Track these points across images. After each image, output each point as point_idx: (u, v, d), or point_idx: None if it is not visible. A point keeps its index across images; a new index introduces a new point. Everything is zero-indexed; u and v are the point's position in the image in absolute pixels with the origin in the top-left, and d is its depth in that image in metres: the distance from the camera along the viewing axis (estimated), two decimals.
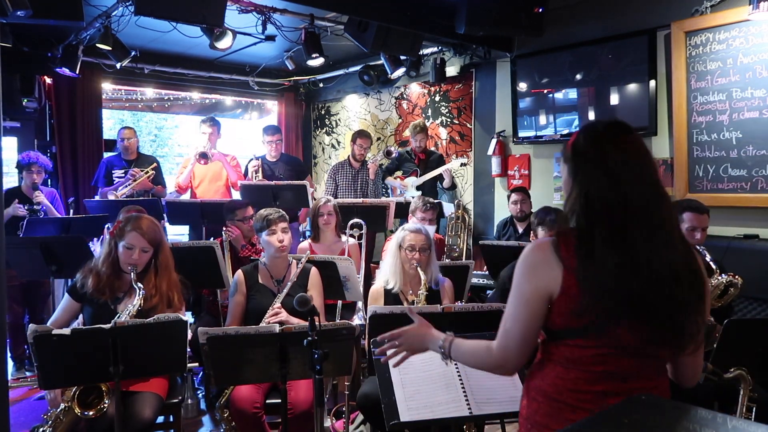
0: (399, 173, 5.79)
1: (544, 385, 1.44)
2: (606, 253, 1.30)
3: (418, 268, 2.89)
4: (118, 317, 2.49)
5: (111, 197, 5.02)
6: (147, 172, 5.16)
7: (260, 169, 5.33)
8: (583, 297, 1.31)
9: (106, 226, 3.97)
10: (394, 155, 5.66)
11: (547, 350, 1.45)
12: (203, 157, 5.19)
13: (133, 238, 2.63)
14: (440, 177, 5.49)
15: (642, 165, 1.35)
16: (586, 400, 1.38)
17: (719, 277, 2.86)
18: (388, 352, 1.64)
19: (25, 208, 4.50)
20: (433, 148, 6.03)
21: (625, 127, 1.43)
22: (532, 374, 1.49)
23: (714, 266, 2.87)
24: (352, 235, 4.06)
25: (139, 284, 2.57)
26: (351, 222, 4.05)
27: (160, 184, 5.37)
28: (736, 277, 2.86)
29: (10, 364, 4.50)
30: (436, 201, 5.31)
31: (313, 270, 3.17)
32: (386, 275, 3.00)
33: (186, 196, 5.46)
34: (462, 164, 5.59)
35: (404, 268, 2.96)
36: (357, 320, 3.69)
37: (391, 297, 2.95)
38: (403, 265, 2.96)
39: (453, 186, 5.66)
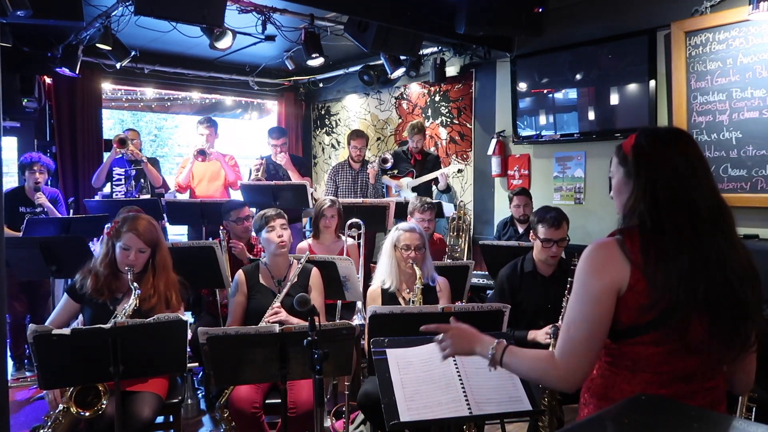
0: (394, 172, 5.78)
1: (611, 392, 1.41)
2: (678, 251, 1.32)
3: (414, 266, 2.92)
4: (115, 317, 2.49)
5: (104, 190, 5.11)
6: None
7: (262, 167, 5.32)
8: (654, 290, 1.32)
9: (106, 225, 3.98)
10: (388, 164, 5.58)
11: (611, 355, 1.43)
12: (201, 153, 5.20)
13: (129, 239, 2.62)
14: (435, 179, 5.50)
15: (705, 170, 1.39)
16: None
17: None
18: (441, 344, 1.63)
19: (27, 211, 4.51)
20: (432, 149, 6.04)
21: (684, 134, 1.46)
22: (593, 383, 1.46)
23: None
24: (351, 236, 4.06)
25: (135, 284, 2.56)
26: (349, 222, 4.06)
27: (160, 174, 5.38)
28: None
29: (10, 363, 4.50)
30: (435, 201, 5.32)
31: (314, 270, 3.17)
32: (382, 275, 3.03)
33: (185, 196, 5.47)
34: (459, 170, 5.57)
35: (400, 267, 2.99)
36: (357, 320, 3.69)
37: (387, 296, 2.97)
38: (398, 264, 2.99)
39: (448, 189, 5.67)
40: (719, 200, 1.38)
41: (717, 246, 1.33)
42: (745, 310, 1.33)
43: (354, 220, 4.07)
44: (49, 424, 2.36)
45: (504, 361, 1.50)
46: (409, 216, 4.15)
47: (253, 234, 3.78)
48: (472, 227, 5.77)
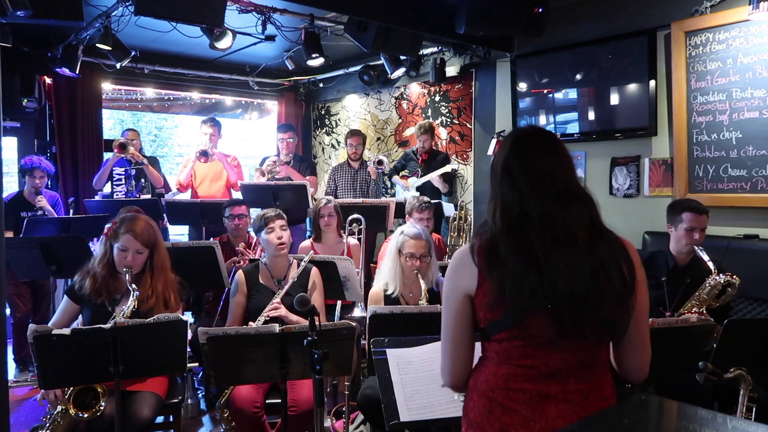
0: (405, 172, 5.81)
1: (479, 383, 1.50)
2: (509, 255, 1.40)
3: (418, 275, 2.85)
4: (113, 318, 2.49)
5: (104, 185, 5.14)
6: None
7: (276, 166, 5.29)
8: (493, 292, 1.41)
9: (106, 225, 3.98)
10: (382, 168, 5.50)
11: (484, 349, 1.53)
12: (204, 155, 5.20)
13: (126, 241, 2.61)
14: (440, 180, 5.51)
15: (539, 174, 1.43)
16: (519, 400, 1.42)
17: (717, 277, 2.85)
18: None
19: (29, 216, 4.52)
20: (439, 149, 6.03)
21: (526, 135, 1.53)
22: (471, 375, 1.55)
23: (712, 266, 2.86)
24: (351, 232, 4.06)
25: (133, 285, 2.55)
26: (350, 218, 4.06)
27: (160, 174, 5.38)
28: (734, 276, 2.86)
29: (13, 366, 4.50)
30: (434, 201, 5.32)
31: (314, 270, 3.17)
32: (385, 278, 2.95)
33: (187, 196, 5.47)
34: (453, 169, 5.56)
35: (404, 273, 2.91)
36: (358, 311, 3.68)
37: (390, 301, 2.91)
38: (403, 270, 2.90)
39: (450, 192, 5.66)
40: (558, 198, 1.41)
41: (545, 245, 1.38)
42: (582, 304, 1.37)
43: (355, 215, 4.07)
44: (48, 425, 2.36)
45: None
46: (407, 216, 4.14)
47: (251, 233, 3.79)
48: (472, 227, 5.77)
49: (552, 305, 1.37)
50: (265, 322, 2.85)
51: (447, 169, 5.50)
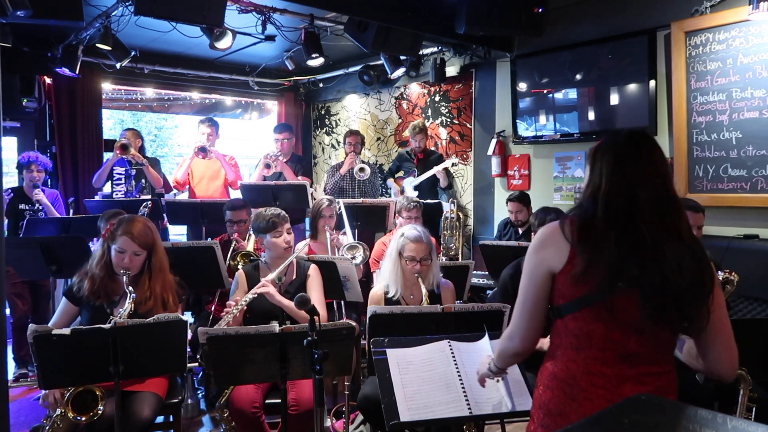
0: (400, 174, 5.82)
1: (556, 370, 1.51)
2: (608, 234, 1.44)
3: (419, 279, 2.82)
4: (110, 321, 2.49)
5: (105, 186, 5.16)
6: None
7: (275, 162, 5.28)
8: (585, 266, 1.44)
9: (101, 226, 3.99)
10: (364, 175, 5.42)
11: (557, 333, 1.54)
12: (202, 150, 5.21)
13: (123, 243, 2.61)
14: (437, 177, 5.51)
15: (655, 171, 1.50)
16: (600, 385, 1.44)
17: (716, 275, 2.84)
18: None
19: (27, 208, 4.53)
20: (433, 148, 6.03)
21: (644, 139, 1.56)
22: (545, 362, 1.57)
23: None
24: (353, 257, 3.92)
25: (130, 288, 2.55)
26: (349, 245, 3.92)
27: (160, 175, 5.38)
28: (733, 274, 2.85)
29: (13, 365, 4.50)
30: (434, 201, 5.33)
31: (312, 266, 3.17)
32: (386, 280, 2.93)
33: (185, 195, 5.47)
34: (453, 164, 5.57)
35: (405, 276, 2.88)
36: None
37: (391, 304, 2.88)
38: (404, 272, 2.88)
39: (450, 186, 5.66)
40: (668, 197, 1.48)
41: (654, 234, 1.43)
42: (677, 294, 1.42)
43: (352, 243, 3.92)
44: (47, 428, 2.37)
45: (496, 365, 1.73)
46: (396, 215, 4.14)
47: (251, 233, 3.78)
48: (472, 226, 5.77)
49: (645, 290, 1.41)
50: (263, 318, 2.85)
51: (448, 163, 5.51)
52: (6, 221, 4.53)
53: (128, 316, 2.50)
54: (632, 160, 1.49)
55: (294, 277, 3.10)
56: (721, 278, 2.85)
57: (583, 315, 1.47)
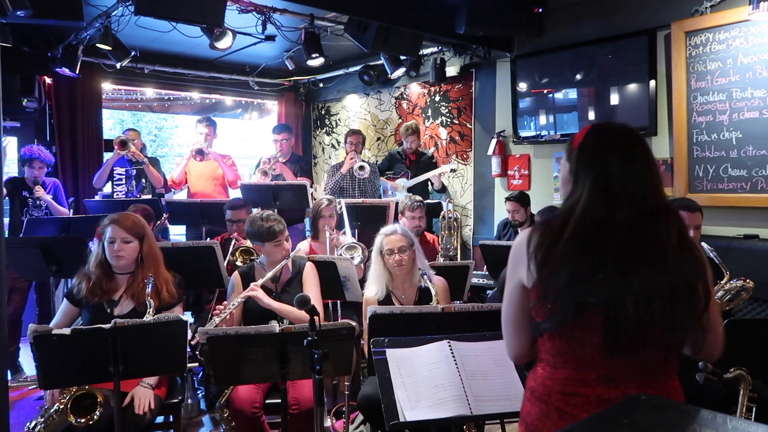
0: (390, 173, 5.79)
1: (535, 386, 1.47)
2: (571, 254, 1.34)
3: (410, 276, 2.88)
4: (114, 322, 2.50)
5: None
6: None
7: (273, 163, 5.28)
8: (543, 286, 1.37)
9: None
10: (363, 173, 5.36)
11: (539, 348, 1.48)
12: (199, 153, 5.21)
13: (112, 231, 2.68)
14: (430, 179, 5.51)
15: (636, 174, 1.37)
16: (576, 404, 1.37)
17: (732, 282, 2.83)
18: None
19: (29, 196, 4.64)
20: (429, 150, 6.02)
21: (631, 136, 1.47)
22: (529, 375, 1.53)
23: (724, 270, 2.84)
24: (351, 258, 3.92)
25: (150, 300, 2.58)
26: (348, 244, 3.91)
27: (160, 174, 5.39)
28: (748, 281, 2.84)
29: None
30: (434, 201, 5.32)
31: (308, 264, 3.17)
32: (374, 283, 2.98)
33: (183, 194, 5.47)
34: (452, 170, 5.56)
35: (391, 272, 2.93)
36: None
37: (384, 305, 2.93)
38: (389, 269, 2.93)
39: (443, 189, 5.66)
40: (652, 214, 1.34)
41: (624, 260, 1.31)
42: (637, 328, 1.31)
43: (352, 243, 3.91)
44: (42, 420, 2.38)
45: None
46: (400, 215, 4.14)
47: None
48: (471, 226, 5.77)
49: (605, 317, 1.32)
50: (262, 318, 2.85)
51: (448, 169, 5.50)
52: (7, 208, 4.59)
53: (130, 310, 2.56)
54: (619, 176, 1.35)
55: (290, 275, 3.10)
56: (738, 286, 2.84)
57: (559, 333, 1.39)
